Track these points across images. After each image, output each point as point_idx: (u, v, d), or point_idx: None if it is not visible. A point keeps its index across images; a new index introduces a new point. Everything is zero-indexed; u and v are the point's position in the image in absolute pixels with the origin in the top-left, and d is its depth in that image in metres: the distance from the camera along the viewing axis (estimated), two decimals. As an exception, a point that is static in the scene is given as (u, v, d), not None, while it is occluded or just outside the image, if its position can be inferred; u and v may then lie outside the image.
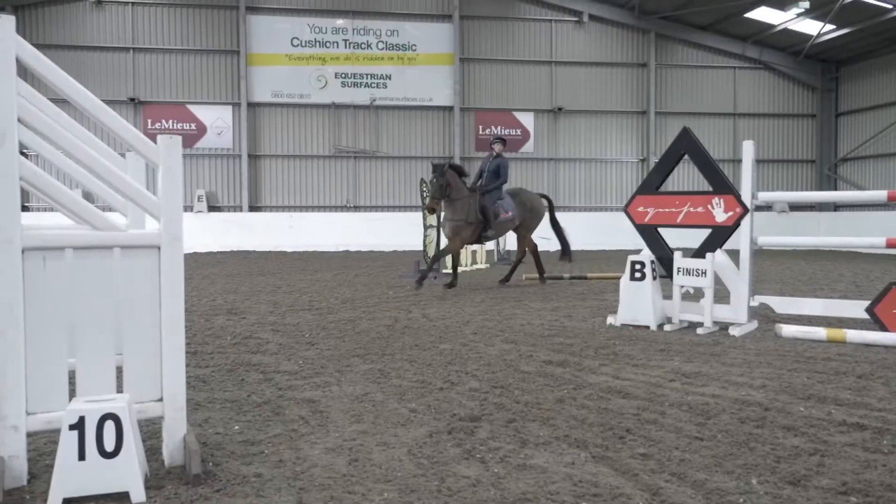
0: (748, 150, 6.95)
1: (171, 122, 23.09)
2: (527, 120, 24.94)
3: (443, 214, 10.35)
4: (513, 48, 24.85)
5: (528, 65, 24.91)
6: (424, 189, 13.02)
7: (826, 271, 13.68)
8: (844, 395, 4.37)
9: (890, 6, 20.09)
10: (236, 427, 3.74)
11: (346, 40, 23.95)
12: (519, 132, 24.90)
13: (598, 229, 22.74)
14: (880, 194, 6.54)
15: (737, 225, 6.90)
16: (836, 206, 25.43)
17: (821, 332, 6.18)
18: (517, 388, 4.56)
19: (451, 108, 24.37)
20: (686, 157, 7.38)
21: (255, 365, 5.26)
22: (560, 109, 24.91)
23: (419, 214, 12.93)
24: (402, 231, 20.67)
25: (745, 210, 6.83)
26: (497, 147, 10.76)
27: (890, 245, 6.43)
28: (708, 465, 3.21)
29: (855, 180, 25.82)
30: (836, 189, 26.36)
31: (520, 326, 7.03)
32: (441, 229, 10.60)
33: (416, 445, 3.45)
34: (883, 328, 6.27)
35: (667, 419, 3.88)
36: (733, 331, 6.52)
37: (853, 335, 6.06)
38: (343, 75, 23.94)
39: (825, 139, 26.64)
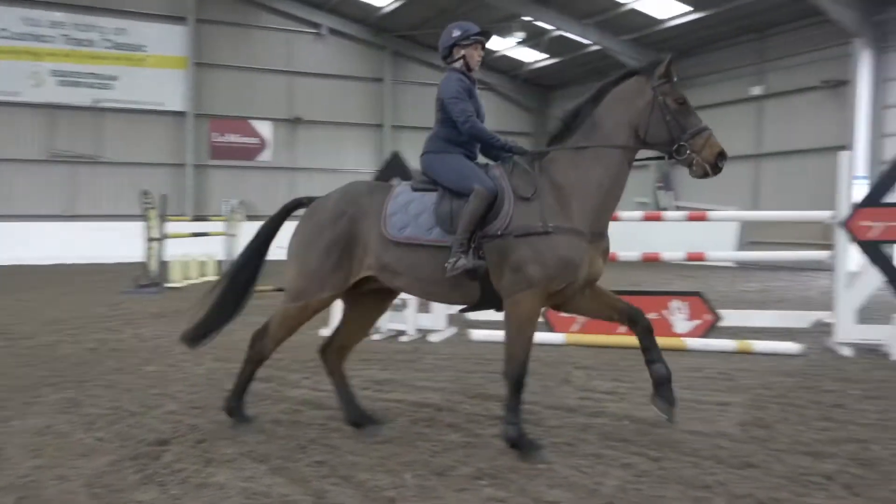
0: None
1: None
2: (264, 129, 24.68)
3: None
4: (251, 56, 24.42)
5: (267, 73, 24.64)
6: (148, 201, 12.28)
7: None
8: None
9: (588, 42, 22.99)
10: None
11: (65, 35, 21.93)
12: (256, 141, 24.58)
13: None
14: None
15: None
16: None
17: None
18: (215, 407, 4.68)
19: (183, 114, 23.34)
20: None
21: (-77, 403, 4.80)
22: (298, 119, 24.99)
23: (142, 224, 12.19)
24: (126, 242, 19.13)
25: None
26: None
27: (646, 259, 7.35)
28: (373, 465, 3.62)
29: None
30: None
31: (233, 343, 7.07)
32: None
33: (94, 476, 3.46)
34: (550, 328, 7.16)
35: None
36: (432, 337, 7.18)
37: (479, 335, 6.94)
38: (61, 73, 21.89)
39: (540, 156, 29.70)
